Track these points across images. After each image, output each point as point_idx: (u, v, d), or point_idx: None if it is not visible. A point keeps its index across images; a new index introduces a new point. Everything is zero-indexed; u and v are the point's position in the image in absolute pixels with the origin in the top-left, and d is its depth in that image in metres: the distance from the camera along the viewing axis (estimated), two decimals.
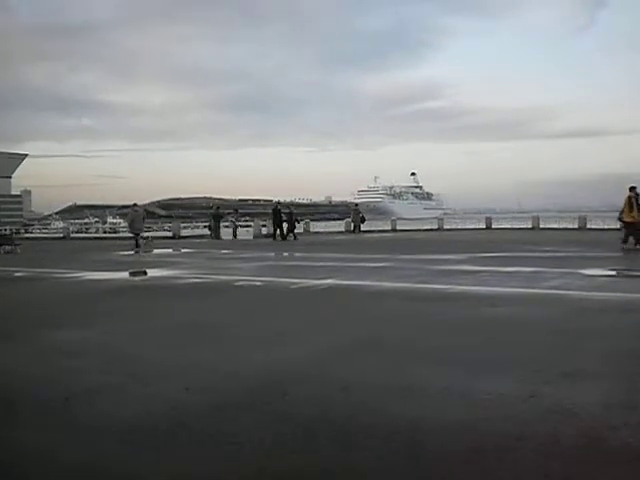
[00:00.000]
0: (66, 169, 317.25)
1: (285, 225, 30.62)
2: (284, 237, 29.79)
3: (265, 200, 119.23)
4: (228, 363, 5.35)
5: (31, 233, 49.49)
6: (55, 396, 4.44)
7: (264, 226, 35.91)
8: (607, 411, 3.87)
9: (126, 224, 28.01)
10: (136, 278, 13.56)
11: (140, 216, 25.46)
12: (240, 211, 48.39)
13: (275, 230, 30.29)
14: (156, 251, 23.06)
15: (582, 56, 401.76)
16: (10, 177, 64.83)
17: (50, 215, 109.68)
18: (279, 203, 33.85)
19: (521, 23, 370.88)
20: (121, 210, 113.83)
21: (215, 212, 35.80)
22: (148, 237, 27.16)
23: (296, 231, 31.55)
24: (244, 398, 4.33)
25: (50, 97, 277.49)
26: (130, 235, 26.09)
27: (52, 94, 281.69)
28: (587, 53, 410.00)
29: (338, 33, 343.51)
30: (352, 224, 37.94)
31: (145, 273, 14.37)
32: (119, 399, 4.38)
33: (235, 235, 34.33)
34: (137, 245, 23.91)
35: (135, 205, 26.00)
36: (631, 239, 18.71)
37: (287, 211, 31.87)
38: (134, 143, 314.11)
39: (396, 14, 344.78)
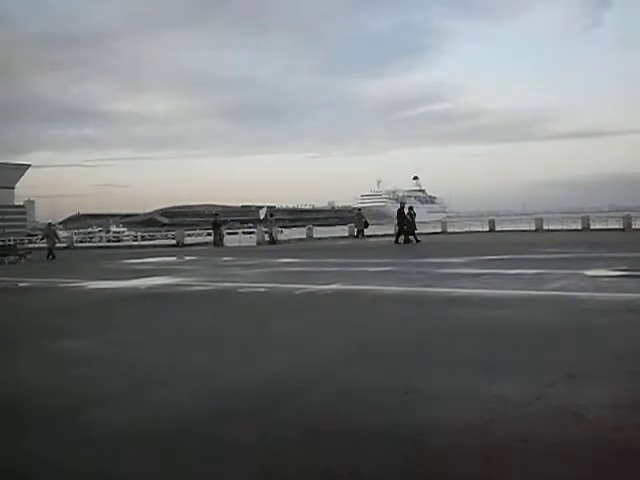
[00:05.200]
0: (69, 178, 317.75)
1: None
2: (407, 240, 27.52)
3: (268, 206, 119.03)
4: (232, 370, 5.36)
5: (35, 243, 49.50)
6: (61, 405, 4.45)
7: (267, 232, 35.89)
8: (612, 412, 3.86)
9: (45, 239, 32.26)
10: (140, 287, 13.58)
11: (54, 232, 31.27)
12: (243, 218, 48.18)
13: (399, 233, 28.35)
14: (157, 259, 23.10)
15: (585, 57, 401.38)
16: (13, 187, 64.86)
17: (54, 225, 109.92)
18: (403, 204, 30.56)
19: (524, 25, 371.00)
20: (125, 219, 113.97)
21: (214, 220, 35.94)
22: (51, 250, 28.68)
23: (298, 237, 30.96)
24: (248, 404, 4.33)
25: (53, 106, 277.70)
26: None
27: (55, 103, 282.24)
28: (590, 54, 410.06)
29: (341, 38, 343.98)
30: (355, 229, 37.91)
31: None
32: (124, 407, 4.38)
33: (274, 241, 33.70)
34: (53, 256, 27.79)
35: (50, 224, 32.06)
36: None
37: (407, 212, 28.73)
38: (137, 152, 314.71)
39: (399, 18, 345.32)
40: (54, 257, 27.58)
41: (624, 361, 5.15)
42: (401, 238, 27.85)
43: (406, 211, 28.78)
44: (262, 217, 37.25)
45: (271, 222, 36.25)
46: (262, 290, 11.31)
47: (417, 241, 27.44)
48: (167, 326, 7.86)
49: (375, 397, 4.38)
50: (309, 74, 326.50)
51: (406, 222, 28.30)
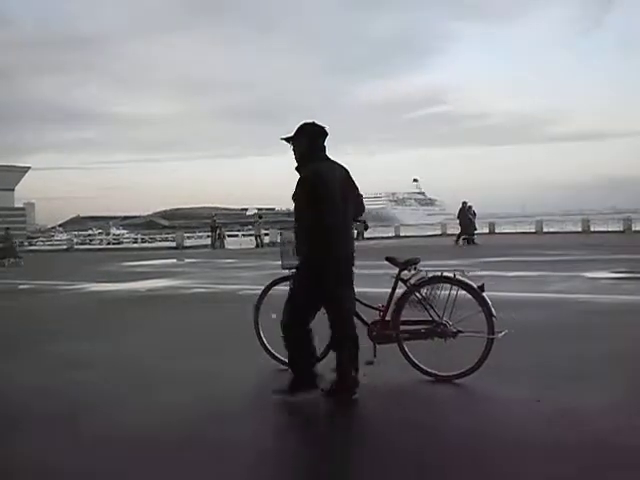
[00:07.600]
0: (69, 181, 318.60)
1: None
2: (469, 241, 26.58)
3: (267, 209, 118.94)
4: (232, 370, 5.36)
5: (35, 245, 49.54)
6: (60, 409, 4.45)
7: (267, 235, 35.79)
8: (612, 415, 3.86)
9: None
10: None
11: (11, 239, 31.87)
12: (241, 220, 48.12)
13: (461, 233, 27.45)
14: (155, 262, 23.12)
15: (585, 59, 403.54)
16: (13, 190, 64.96)
17: (54, 227, 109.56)
18: (465, 204, 28.61)
19: (524, 28, 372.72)
20: (125, 221, 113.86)
21: (212, 223, 35.95)
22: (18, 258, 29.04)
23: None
24: (249, 407, 4.33)
25: (53, 109, 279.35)
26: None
27: (55, 106, 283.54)
28: (590, 57, 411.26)
29: (342, 40, 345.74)
30: (355, 231, 37.86)
31: None
32: (123, 410, 4.38)
33: (261, 244, 32.84)
34: (7, 260, 28.37)
35: (7, 229, 32.04)
36: None
37: (471, 212, 27.58)
38: (137, 154, 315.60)
39: (400, 21, 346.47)
40: (4, 262, 28.08)
41: (623, 364, 5.15)
42: (462, 239, 27.04)
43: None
44: (250, 214, 36.72)
45: (259, 225, 35.77)
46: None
47: (469, 243, 26.47)
48: (167, 328, 7.85)
49: (374, 400, 4.39)
50: (310, 76, 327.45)
51: (470, 221, 27.34)
